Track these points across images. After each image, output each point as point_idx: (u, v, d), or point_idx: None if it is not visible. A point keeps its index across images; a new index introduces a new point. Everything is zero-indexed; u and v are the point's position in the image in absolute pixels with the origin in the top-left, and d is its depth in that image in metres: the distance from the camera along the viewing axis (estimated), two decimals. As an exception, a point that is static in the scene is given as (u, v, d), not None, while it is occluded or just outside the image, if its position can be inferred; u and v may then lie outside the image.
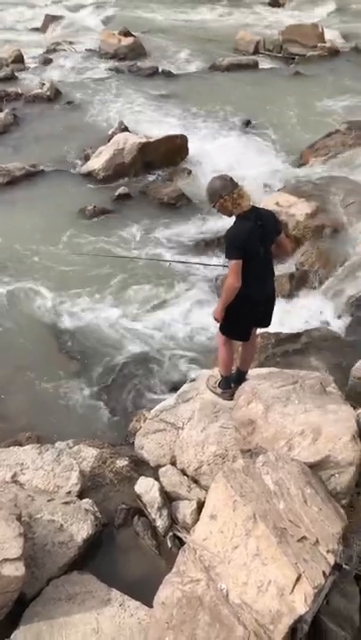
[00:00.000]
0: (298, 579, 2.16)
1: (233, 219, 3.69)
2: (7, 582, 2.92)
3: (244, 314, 3.80)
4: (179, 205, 8.49)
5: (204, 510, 2.54)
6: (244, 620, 2.12)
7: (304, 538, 2.32)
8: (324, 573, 2.22)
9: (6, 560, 2.94)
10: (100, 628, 3.08)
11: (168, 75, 13.89)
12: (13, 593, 2.98)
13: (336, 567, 2.61)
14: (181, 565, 2.35)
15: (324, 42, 15.33)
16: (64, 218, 8.29)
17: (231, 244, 3.59)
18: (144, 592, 3.08)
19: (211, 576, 2.24)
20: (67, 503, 3.77)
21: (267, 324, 4.00)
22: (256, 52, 15.56)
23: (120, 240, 7.83)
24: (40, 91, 12.47)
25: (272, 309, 3.95)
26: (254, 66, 14.40)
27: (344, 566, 2.62)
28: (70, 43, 16.62)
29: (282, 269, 6.86)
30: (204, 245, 7.53)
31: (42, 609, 3.13)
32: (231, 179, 3.64)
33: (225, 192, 3.55)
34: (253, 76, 13.76)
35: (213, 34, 17.14)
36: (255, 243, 3.60)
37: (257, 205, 3.84)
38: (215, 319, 3.86)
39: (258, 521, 2.30)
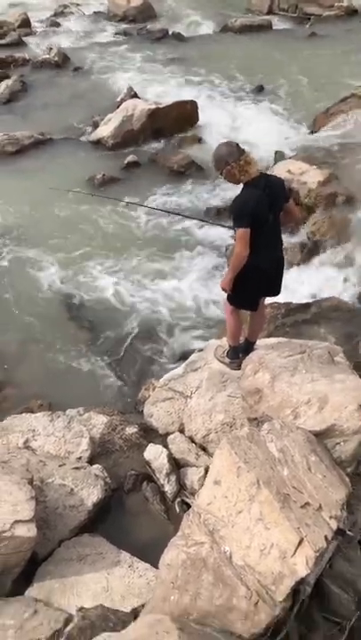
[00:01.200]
0: (300, 542, 2.22)
1: (240, 186, 3.64)
2: (20, 542, 3.03)
3: (252, 283, 3.77)
4: (188, 173, 8.39)
5: (208, 476, 2.59)
6: (247, 581, 2.19)
7: (307, 504, 2.37)
8: (326, 538, 2.27)
9: (19, 521, 3.05)
10: (110, 586, 3.19)
11: (178, 37, 13.54)
12: (26, 552, 3.10)
13: (340, 532, 2.66)
14: (186, 529, 2.42)
15: (341, 1, 14.78)
16: (72, 186, 8.21)
17: (239, 213, 3.53)
18: (153, 555, 3.16)
19: (215, 539, 2.31)
20: (77, 468, 3.86)
21: (276, 292, 3.97)
22: (270, 12, 15.08)
23: (127, 208, 7.76)
24: (48, 56, 12.25)
25: (281, 278, 3.92)
26: (268, 27, 13.98)
27: (348, 532, 2.67)
28: (78, 5, 16.21)
29: (293, 238, 6.80)
30: (215, 212, 7.45)
31: (54, 568, 3.24)
32: (238, 145, 3.56)
33: (231, 159, 3.48)
34: (267, 37, 13.36)
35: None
36: (264, 210, 3.55)
37: (266, 172, 3.78)
38: (223, 289, 3.83)
39: (261, 487, 2.35)
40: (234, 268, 3.64)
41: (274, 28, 14.04)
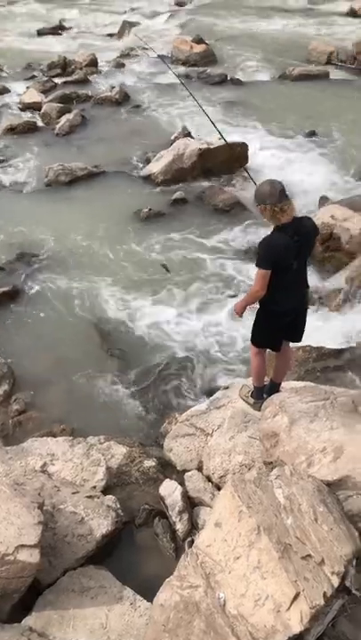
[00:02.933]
0: (296, 596, 2.11)
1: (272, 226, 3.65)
2: (21, 568, 3.01)
3: (271, 324, 3.79)
4: (233, 212, 8.49)
5: (209, 517, 2.53)
6: (238, 632, 2.10)
7: (309, 556, 2.27)
8: (325, 594, 2.16)
9: (23, 546, 3.03)
10: (108, 624, 3.12)
11: (236, 82, 13.91)
12: (27, 579, 3.07)
13: (345, 591, 2.54)
14: (182, 569, 2.35)
15: None
16: (119, 218, 8.46)
17: (262, 254, 3.58)
18: (156, 594, 3.10)
19: (210, 583, 2.23)
20: (90, 497, 3.84)
21: (297, 338, 3.94)
22: (328, 62, 15.31)
23: (169, 243, 7.91)
24: (109, 94, 12.80)
25: (303, 322, 3.89)
26: (325, 76, 14.18)
27: (354, 591, 2.54)
28: (144, 48, 16.95)
29: (332, 284, 6.73)
30: (254, 251, 7.47)
31: (55, 598, 3.20)
32: (282, 189, 3.52)
33: (269, 200, 3.48)
34: (323, 86, 13.54)
35: (286, 44, 17.00)
36: (288, 257, 3.56)
37: (302, 215, 3.76)
38: (235, 311, 3.94)
39: (262, 534, 2.27)
40: (247, 300, 3.78)
41: (331, 77, 14.23)
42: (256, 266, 3.60)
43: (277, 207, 3.48)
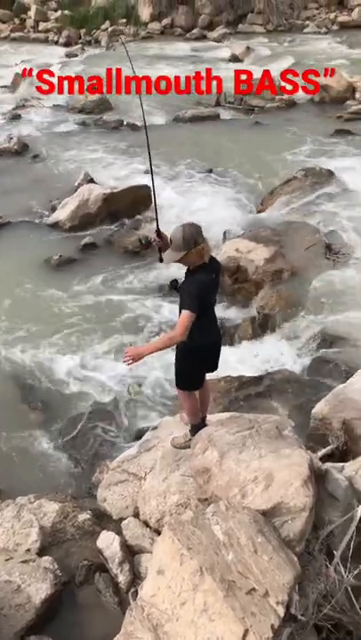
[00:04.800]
0: (245, 634, 2.12)
1: (185, 268, 3.73)
2: None
3: (199, 362, 3.87)
4: (142, 253, 8.65)
5: (150, 565, 2.50)
6: None
7: (253, 590, 2.30)
8: (272, 627, 2.19)
9: None
10: None
11: (133, 127, 14.35)
12: None
13: (292, 618, 2.58)
14: (129, 625, 2.29)
15: (282, 95, 16.09)
16: (29, 267, 8.35)
17: (195, 296, 3.48)
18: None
19: (159, 635, 2.19)
20: (25, 562, 3.66)
21: (215, 368, 4.06)
22: (217, 104, 16.23)
23: (83, 287, 7.90)
24: (7, 145, 12.74)
25: (219, 354, 4.02)
26: (216, 117, 15.00)
27: (300, 617, 2.59)
28: (39, 99, 17.11)
29: (244, 313, 7.00)
30: (167, 290, 7.64)
31: None
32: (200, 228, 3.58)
33: (201, 238, 3.49)
34: (215, 126, 14.30)
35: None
36: (213, 295, 3.70)
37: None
38: (130, 357, 3.46)
39: (205, 574, 2.27)
40: (161, 346, 3.55)
41: (221, 118, 15.07)
42: (187, 309, 3.45)
43: (206, 246, 3.56)
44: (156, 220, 4.04)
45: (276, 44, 23.56)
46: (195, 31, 26.27)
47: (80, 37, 26.56)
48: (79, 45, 25.13)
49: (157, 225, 3.96)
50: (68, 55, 23.58)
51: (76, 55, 23.58)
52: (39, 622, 3.37)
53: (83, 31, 26.69)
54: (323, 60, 19.39)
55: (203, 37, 25.92)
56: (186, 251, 3.48)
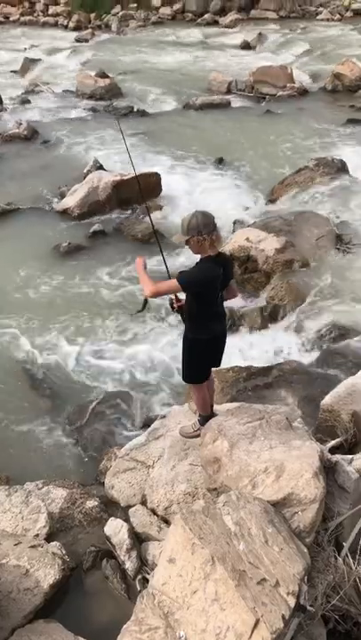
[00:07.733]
0: (256, 624, 2.13)
1: (197, 256, 3.72)
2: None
3: (204, 355, 3.85)
4: (152, 241, 8.59)
5: (162, 554, 2.51)
6: (203, 669, 2.08)
7: (264, 580, 2.30)
8: (283, 617, 2.20)
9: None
10: None
11: (143, 114, 14.26)
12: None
13: (300, 609, 2.58)
14: (140, 612, 2.30)
15: (294, 82, 15.91)
16: (38, 254, 8.34)
17: (193, 279, 3.51)
18: (112, 639, 3.00)
19: (169, 623, 2.20)
20: (34, 547, 3.68)
21: (218, 363, 4.05)
22: (228, 91, 16.09)
23: (92, 276, 7.88)
24: (17, 131, 12.69)
25: (224, 348, 4.00)
26: (227, 105, 14.87)
27: (308, 608, 2.59)
28: (48, 84, 17.01)
29: (253, 304, 6.96)
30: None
31: (5, 662, 3.02)
32: (214, 219, 3.55)
33: (205, 230, 3.47)
34: (226, 114, 14.18)
35: (188, 76, 17.71)
36: (218, 289, 3.65)
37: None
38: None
39: (216, 564, 2.28)
40: (142, 282, 3.67)
41: (232, 105, 14.93)
42: (176, 279, 3.47)
43: (214, 235, 3.51)
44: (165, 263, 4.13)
45: (289, 30, 23.31)
46: (206, 16, 26.03)
47: (90, 22, 26.39)
48: (89, 30, 24.96)
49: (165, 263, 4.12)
50: (78, 40, 23.42)
51: (87, 40, 23.42)
52: (47, 606, 3.39)
53: (93, 15, 26.50)
54: (336, 48, 19.16)
55: (214, 23, 25.68)
56: (187, 237, 3.54)
